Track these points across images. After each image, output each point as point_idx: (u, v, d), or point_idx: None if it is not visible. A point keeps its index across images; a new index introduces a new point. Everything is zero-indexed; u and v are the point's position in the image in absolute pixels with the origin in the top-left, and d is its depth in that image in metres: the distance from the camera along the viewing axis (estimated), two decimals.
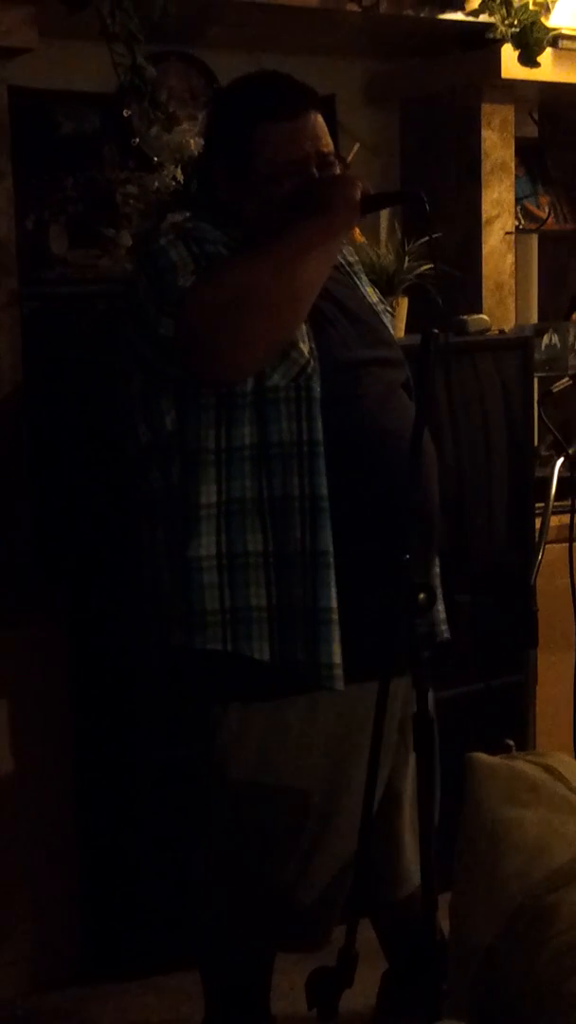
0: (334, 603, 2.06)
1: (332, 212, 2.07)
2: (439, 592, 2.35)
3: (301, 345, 2.07)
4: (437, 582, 2.35)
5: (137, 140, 3.03)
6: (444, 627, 2.36)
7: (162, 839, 2.85)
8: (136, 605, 2.25)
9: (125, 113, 2.97)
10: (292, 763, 2.15)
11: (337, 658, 2.06)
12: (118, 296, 3.06)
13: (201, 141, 2.99)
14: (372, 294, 2.34)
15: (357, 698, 2.08)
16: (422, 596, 1.96)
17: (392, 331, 2.33)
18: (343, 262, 2.29)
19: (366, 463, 2.10)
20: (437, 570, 2.35)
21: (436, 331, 1.98)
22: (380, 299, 2.37)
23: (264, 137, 2.10)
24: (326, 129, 2.15)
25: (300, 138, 2.11)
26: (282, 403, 2.06)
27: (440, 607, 2.35)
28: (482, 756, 1.97)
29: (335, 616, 2.06)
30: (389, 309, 2.41)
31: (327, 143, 2.15)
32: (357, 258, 2.41)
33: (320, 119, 2.14)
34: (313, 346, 2.09)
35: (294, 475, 2.06)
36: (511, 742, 2.15)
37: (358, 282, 2.33)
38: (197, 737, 2.19)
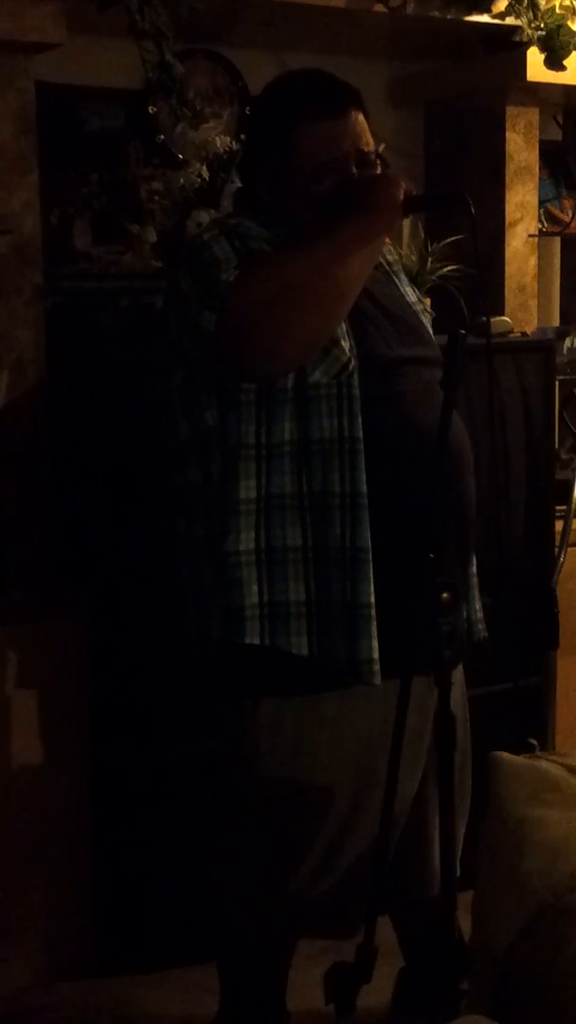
0: (372, 599, 2.06)
1: (376, 212, 2.07)
2: (476, 592, 2.35)
3: (343, 343, 2.07)
4: (474, 581, 2.35)
5: (162, 137, 3.04)
6: (481, 626, 2.37)
7: (178, 834, 2.86)
8: (173, 599, 2.25)
9: (151, 110, 2.98)
10: (324, 757, 2.16)
11: (375, 653, 2.06)
12: (142, 292, 3.09)
13: (228, 139, 3.01)
14: (411, 293, 2.35)
15: (390, 694, 2.08)
16: (446, 595, 1.96)
17: (430, 331, 2.33)
18: (383, 261, 2.30)
19: (404, 461, 2.11)
20: (474, 569, 2.35)
21: (463, 332, 1.99)
22: (419, 299, 2.37)
23: (304, 135, 2.10)
24: (367, 128, 2.15)
25: (340, 136, 2.11)
26: (323, 400, 2.06)
27: (478, 606, 2.36)
28: (505, 755, 1.97)
29: (373, 612, 2.06)
30: (428, 310, 2.41)
31: (368, 141, 2.15)
32: (396, 257, 2.42)
33: (361, 118, 2.14)
34: (353, 343, 2.09)
35: (335, 471, 2.07)
36: (534, 742, 2.15)
37: (397, 281, 2.34)
38: (228, 731, 2.20)
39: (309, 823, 2.18)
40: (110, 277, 3.16)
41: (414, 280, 3.22)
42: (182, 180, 3.00)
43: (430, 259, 3.23)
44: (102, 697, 2.87)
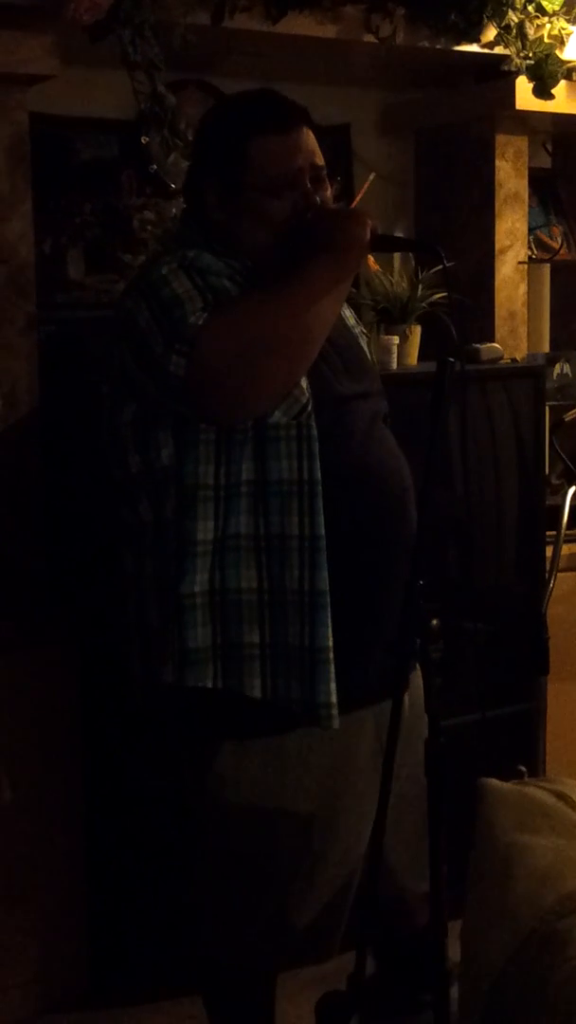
0: (330, 643, 2.03)
1: (343, 251, 2.03)
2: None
3: (302, 383, 2.04)
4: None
5: (155, 167, 3.05)
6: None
7: (169, 863, 2.85)
8: (121, 641, 2.21)
9: (143, 140, 3.00)
10: (291, 793, 2.13)
11: (333, 697, 2.03)
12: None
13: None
14: (350, 316, 2.31)
15: (351, 727, 2.08)
16: (435, 621, 1.97)
17: (369, 356, 2.31)
18: None
19: (355, 500, 2.09)
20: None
21: (451, 360, 1.99)
22: (356, 321, 2.35)
23: (259, 150, 2.06)
24: (317, 145, 2.12)
25: (295, 150, 2.07)
26: (283, 441, 2.03)
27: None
28: (494, 782, 1.98)
29: (331, 656, 2.03)
30: (364, 331, 2.38)
31: (319, 157, 2.12)
32: None
33: (312, 135, 2.11)
34: (308, 383, 2.06)
35: (293, 514, 2.03)
36: (523, 768, 2.15)
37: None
38: (191, 770, 2.16)
39: (278, 856, 2.15)
40: (103, 306, 3.18)
41: (404, 308, 3.25)
42: (174, 210, 3.02)
43: (420, 286, 3.25)
44: (95, 726, 2.87)
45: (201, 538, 2.02)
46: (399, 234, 3.66)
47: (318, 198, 2.10)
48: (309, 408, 2.04)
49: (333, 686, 2.03)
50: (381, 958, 2.43)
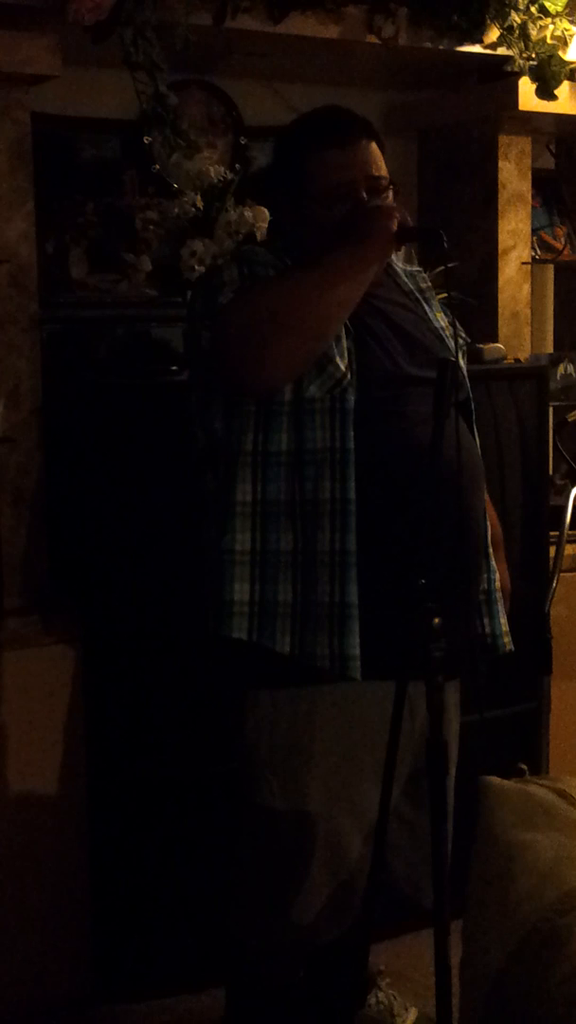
0: (356, 599, 2.14)
1: (366, 241, 2.16)
2: (498, 606, 2.41)
3: (338, 360, 2.16)
4: (497, 595, 2.42)
5: (157, 167, 3.05)
6: (507, 639, 2.42)
7: (175, 861, 2.85)
8: (190, 599, 2.34)
9: (146, 140, 3.00)
10: (321, 746, 2.22)
11: (357, 650, 2.14)
12: (137, 320, 3.11)
13: (223, 169, 3.04)
14: (441, 318, 2.42)
15: (380, 695, 2.13)
16: (437, 620, 1.97)
17: (454, 353, 2.37)
18: (413, 288, 2.41)
19: (398, 474, 2.18)
20: (497, 584, 2.42)
21: (451, 360, 2.03)
22: (450, 322, 2.41)
23: (315, 163, 2.22)
24: (380, 156, 2.26)
25: (349, 163, 2.22)
26: (317, 414, 2.17)
27: (502, 619, 2.42)
28: (495, 780, 1.98)
29: (356, 612, 2.14)
30: (463, 335, 2.47)
31: (378, 168, 2.25)
32: (430, 284, 2.49)
33: (374, 146, 2.26)
34: (353, 361, 2.18)
35: (325, 480, 2.16)
36: (524, 766, 2.16)
37: (427, 307, 2.41)
38: (228, 722, 2.28)
39: (309, 817, 2.22)
40: (106, 306, 3.19)
41: None
42: (177, 209, 3.02)
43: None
44: (98, 723, 2.87)
45: (240, 499, 2.19)
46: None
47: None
48: (344, 384, 2.17)
49: (357, 640, 2.14)
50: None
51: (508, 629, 2.43)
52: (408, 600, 1.94)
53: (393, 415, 2.22)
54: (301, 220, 2.26)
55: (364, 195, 2.22)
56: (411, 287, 2.41)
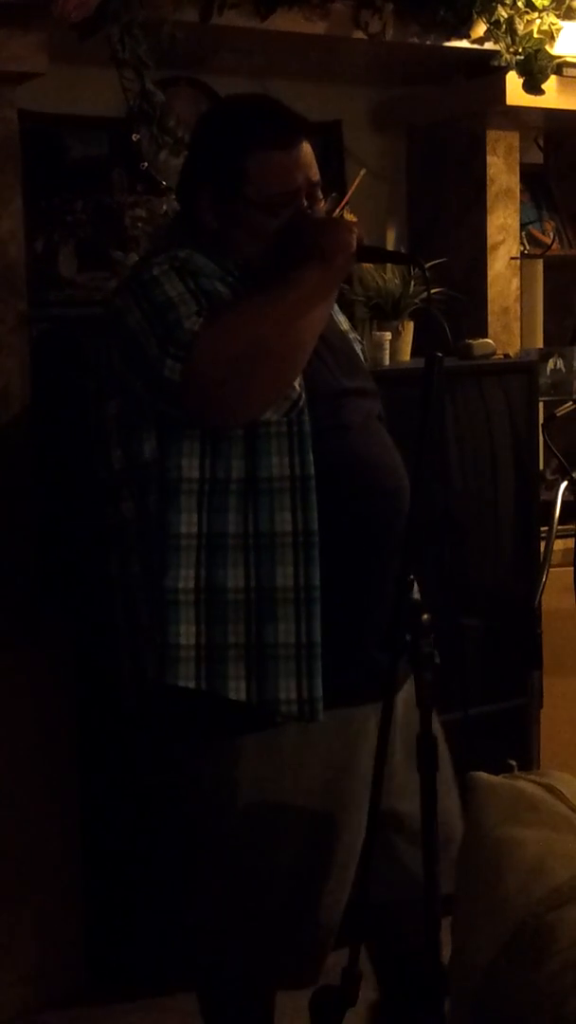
0: (318, 637, 2.03)
1: (331, 259, 2.04)
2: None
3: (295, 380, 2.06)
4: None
5: (146, 164, 3.06)
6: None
7: (166, 860, 2.85)
8: (109, 639, 2.21)
9: (134, 137, 3.00)
10: (287, 790, 2.12)
11: (319, 691, 2.03)
12: None
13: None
14: (344, 321, 2.32)
15: (351, 724, 2.08)
16: (426, 616, 1.97)
17: (364, 360, 2.32)
18: None
19: (352, 494, 2.08)
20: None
21: (440, 355, 1.99)
22: (351, 327, 2.35)
23: (258, 165, 2.05)
24: (314, 158, 2.11)
25: (294, 168, 2.07)
26: (273, 438, 2.03)
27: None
28: (483, 776, 1.98)
29: (319, 651, 2.03)
30: (359, 338, 2.38)
31: (315, 172, 2.11)
32: None
33: (309, 149, 2.10)
34: (301, 378, 2.06)
35: (286, 511, 2.03)
36: (513, 762, 2.15)
37: (331, 311, 2.28)
38: (186, 770, 2.15)
39: (276, 853, 2.13)
40: (95, 304, 3.18)
41: (396, 305, 3.26)
42: (165, 207, 3.02)
43: (412, 283, 3.25)
44: (89, 726, 2.87)
45: (184, 531, 2.01)
46: (387, 245, 3.67)
47: (310, 212, 2.11)
48: (300, 404, 2.05)
49: (319, 681, 2.03)
50: (384, 982, 2.41)
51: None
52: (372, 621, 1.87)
53: (339, 431, 2.10)
54: (232, 223, 2.08)
55: (304, 203, 2.08)
56: None
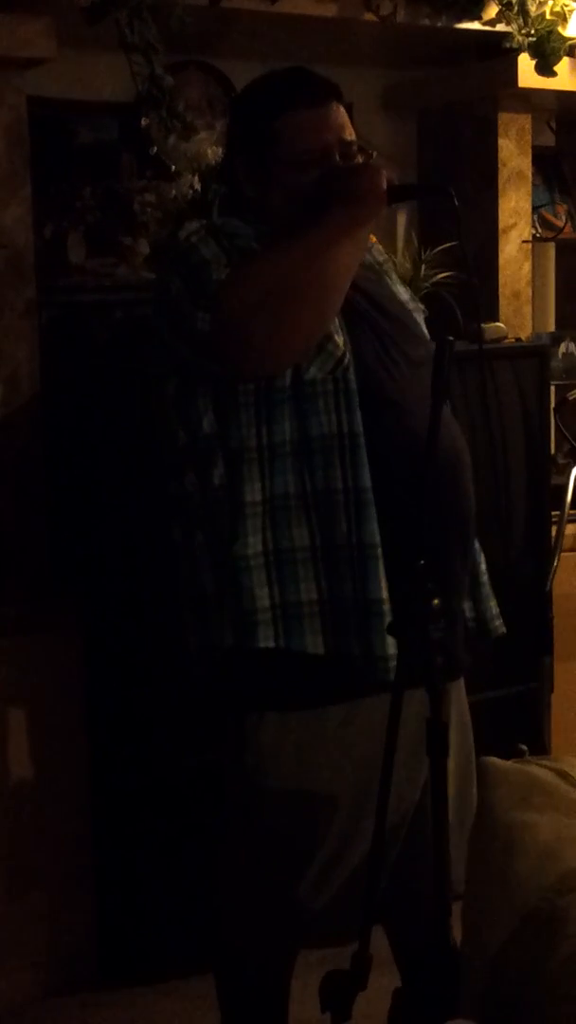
0: (384, 594, 2.05)
1: (359, 200, 2.05)
2: (487, 589, 2.34)
3: (336, 337, 2.07)
4: (484, 579, 2.34)
5: (155, 149, 3.04)
6: (498, 622, 2.35)
7: (178, 845, 2.86)
8: (171, 611, 2.24)
9: (143, 122, 2.99)
10: (327, 771, 2.14)
11: (389, 649, 2.04)
12: (136, 304, 3.10)
13: (220, 150, 3.02)
14: (403, 292, 2.33)
15: (383, 709, 2.07)
16: (436, 601, 1.96)
17: (424, 330, 2.32)
18: (373, 260, 2.28)
19: (405, 459, 2.08)
20: (483, 567, 2.34)
21: (451, 338, 1.98)
22: (412, 297, 2.35)
23: (286, 126, 2.10)
24: (348, 120, 2.15)
25: (322, 126, 2.10)
26: (320, 397, 2.06)
27: (492, 603, 2.34)
28: (494, 760, 1.97)
29: (386, 607, 2.05)
30: (422, 307, 2.39)
31: (350, 132, 2.14)
32: (387, 257, 2.39)
33: (342, 110, 2.14)
34: (347, 339, 2.08)
35: (336, 468, 2.06)
36: (524, 747, 2.15)
37: (389, 281, 2.32)
38: (230, 744, 2.17)
39: (311, 835, 2.16)
40: (104, 290, 3.18)
41: (408, 287, 3.24)
42: (174, 192, 3.01)
43: (423, 266, 3.24)
44: (99, 709, 2.88)
45: (250, 499, 2.06)
46: (397, 228, 3.65)
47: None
48: (346, 362, 2.07)
49: (388, 638, 2.04)
50: (395, 946, 2.42)
51: (499, 611, 2.35)
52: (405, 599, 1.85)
53: (391, 398, 2.11)
54: (268, 186, 2.12)
55: (338, 159, 2.11)
56: (370, 260, 2.27)
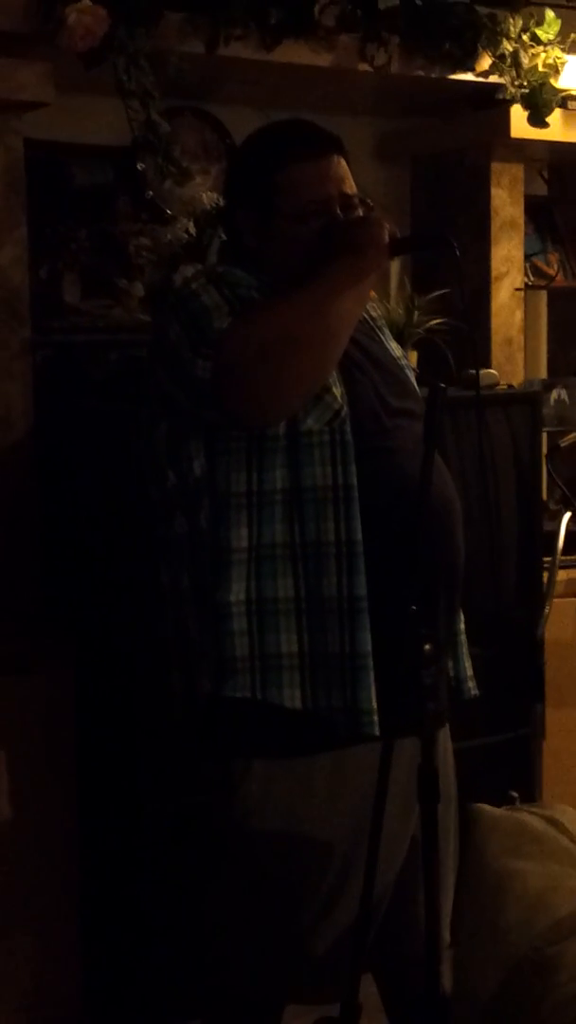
0: (369, 648, 2.04)
1: (361, 253, 2.07)
2: (464, 649, 2.32)
3: (334, 389, 2.07)
4: (462, 638, 2.32)
5: (151, 193, 3.07)
6: (472, 683, 2.32)
7: (165, 887, 2.84)
8: (158, 654, 2.23)
9: (139, 166, 3.01)
10: (317, 820, 2.12)
11: (374, 703, 2.03)
12: (130, 345, 3.11)
13: (216, 196, 3.05)
14: (396, 348, 2.34)
15: (375, 759, 2.06)
16: (428, 647, 1.96)
17: (415, 386, 2.32)
18: (367, 316, 2.29)
19: (398, 513, 2.07)
20: (462, 626, 2.33)
21: (443, 385, 1.99)
22: (403, 354, 2.37)
23: (287, 178, 2.11)
24: (349, 173, 2.16)
25: (324, 178, 2.12)
26: (316, 447, 2.05)
27: (467, 663, 2.32)
28: (486, 808, 1.97)
29: (370, 662, 2.04)
30: (412, 366, 2.41)
31: (351, 185, 2.16)
32: (380, 313, 2.41)
33: (343, 163, 2.16)
34: (344, 391, 2.09)
35: (329, 520, 2.05)
36: (515, 794, 2.14)
37: (382, 336, 2.33)
38: (218, 790, 2.15)
39: (301, 882, 2.14)
40: (99, 331, 3.19)
41: (400, 334, 3.26)
42: (169, 236, 3.02)
43: (416, 312, 3.26)
44: (88, 750, 2.86)
45: (236, 546, 2.05)
46: (390, 275, 3.68)
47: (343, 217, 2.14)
48: (343, 415, 2.07)
49: (373, 692, 2.03)
50: (384, 994, 2.40)
51: (472, 673, 2.32)
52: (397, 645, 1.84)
53: (386, 450, 2.11)
54: (269, 238, 2.14)
55: (338, 212, 2.12)
56: (365, 315, 2.26)
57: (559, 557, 2.88)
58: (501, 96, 3.38)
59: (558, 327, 3.86)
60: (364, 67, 3.17)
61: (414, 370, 2.42)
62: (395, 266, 3.76)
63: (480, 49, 3.31)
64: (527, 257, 3.78)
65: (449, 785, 2.30)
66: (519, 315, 3.62)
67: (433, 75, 3.29)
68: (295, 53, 3.06)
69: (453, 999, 1.86)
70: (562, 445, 3.27)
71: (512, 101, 3.39)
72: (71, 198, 3.22)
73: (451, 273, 3.18)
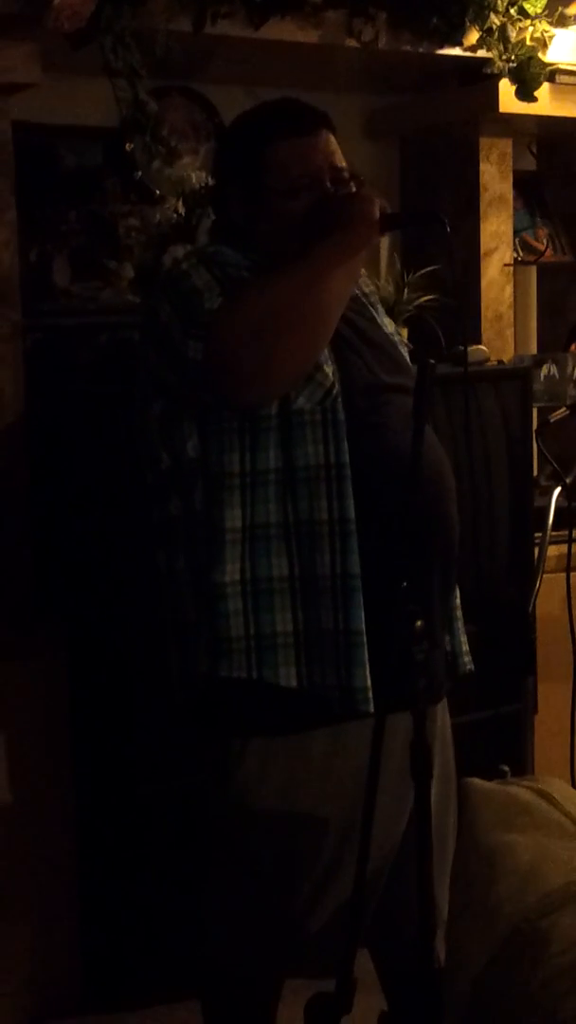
0: (363, 626, 2.05)
1: (351, 230, 2.06)
2: (460, 623, 2.33)
3: (325, 367, 2.07)
4: (458, 612, 2.33)
5: (139, 174, 3.07)
6: (467, 658, 2.33)
7: (162, 870, 2.86)
8: (154, 636, 2.24)
9: (127, 147, 3.01)
10: (314, 797, 2.13)
11: (368, 681, 2.04)
12: (120, 327, 3.12)
13: (204, 175, 3.05)
14: (388, 324, 2.34)
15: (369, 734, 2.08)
16: (419, 623, 1.97)
17: (408, 361, 2.32)
18: (359, 292, 2.28)
19: (391, 489, 2.07)
20: (457, 600, 2.33)
21: (432, 361, 1.99)
22: (396, 330, 2.37)
23: (277, 154, 2.12)
24: (338, 148, 2.17)
25: (312, 153, 2.12)
26: (308, 426, 2.06)
27: (463, 638, 2.33)
28: (476, 781, 1.98)
29: (364, 639, 2.05)
30: (405, 342, 2.40)
31: (341, 159, 2.16)
32: (373, 288, 2.41)
33: (332, 138, 2.16)
34: (336, 369, 2.09)
35: (321, 499, 2.06)
36: (506, 768, 2.16)
37: (374, 312, 2.33)
38: (215, 770, 2.16)
39: (298, 860, 2.15)
40: (89, 313, 3.19)
41: (391, 311, 3.26)
42: (158, 216, 3.03)
43: (406, 289, 3.26)
44: (84, 735, 2.88)
45: (230, 526, 2.05)
46: (379, 252, 3.67)
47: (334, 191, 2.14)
48: (334, 393, 2.07)
49: (367, 671, 2.04)
50: (380, 970, 2.42)
51: (468, 648, 2.33)
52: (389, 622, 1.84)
53: (378, 427, 2.11)
54: (260, 215, 2.14)
55: (329, 186, 2.12)
56: (356, 291, 2.25)
57: (550, 532, 2.89)
58: (489, 71, 3.38)
59: (547, 302, 3.86)
60: (351, 43, 3.17)
61: (408, 346, 2.42)
62: (385, 243, 3.75)
63: (467, 23, 3.31)
64: (516, 232, 3.77)
65: (448, 761, 2.32)
66: (509, 291, 3.63)
67: (420, 50, 3.28)
68: (282, 30, 3.06)
69: (445, 972, 1.88)
70: (552, 421, 3.27)
71: (500, 76, 3.39)
72: (60, 180, 3.21)
73: (440, 249, 3.20)
